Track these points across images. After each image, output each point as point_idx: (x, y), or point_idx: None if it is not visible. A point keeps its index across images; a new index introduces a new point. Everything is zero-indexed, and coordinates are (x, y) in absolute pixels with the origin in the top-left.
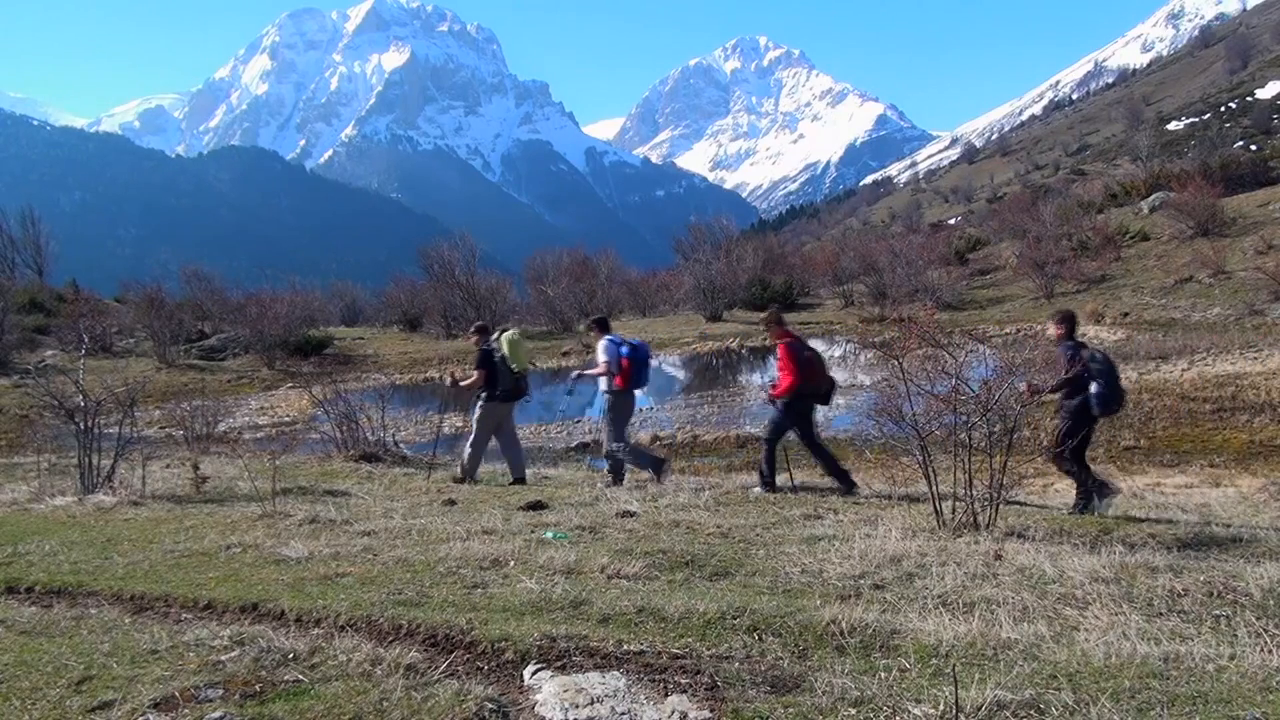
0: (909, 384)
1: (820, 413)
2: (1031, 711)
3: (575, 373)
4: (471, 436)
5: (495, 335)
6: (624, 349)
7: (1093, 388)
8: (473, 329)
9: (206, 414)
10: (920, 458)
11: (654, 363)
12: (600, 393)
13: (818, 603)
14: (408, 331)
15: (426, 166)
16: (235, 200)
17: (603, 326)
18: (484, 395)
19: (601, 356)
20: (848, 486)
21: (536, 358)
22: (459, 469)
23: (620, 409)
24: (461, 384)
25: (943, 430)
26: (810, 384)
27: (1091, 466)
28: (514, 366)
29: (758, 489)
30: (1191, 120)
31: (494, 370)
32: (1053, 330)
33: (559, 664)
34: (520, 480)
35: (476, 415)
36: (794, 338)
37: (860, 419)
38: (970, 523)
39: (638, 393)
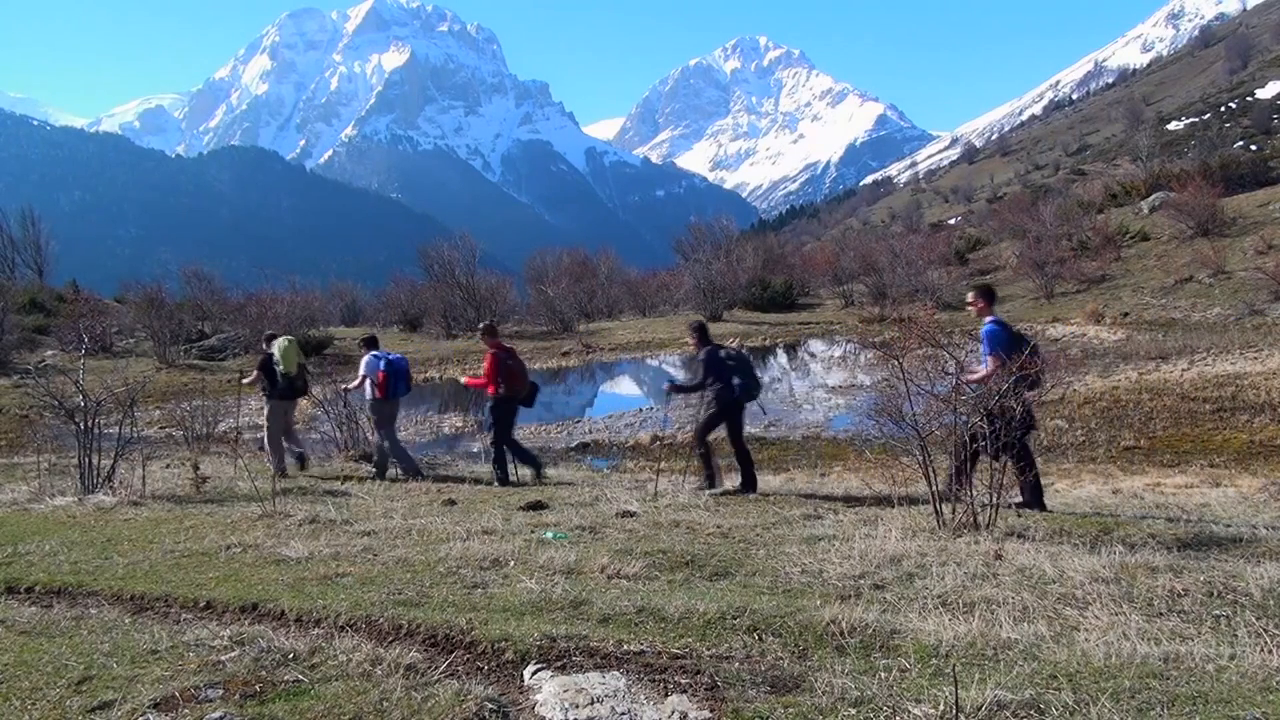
0: (909, 384)
1: (820, 412)
2: (1031, 711)
3: (345, 388)
4: (267, 436)
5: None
6: (382, 363)
7: (735, 380)
8: (264, 337)
9: (206, 414)
10: (920, 458)
11: (653, 363)
12: (365, 399)
13: (818, 603)
14: (408, 331)
15: (426, 166)
16: (235, 200)
17: (369, 344)
18: (266, 395)
19: (361, 370)
20: (501, 482)
21: (536, 358)
22: (277, 469)
23: (381, 413)
24: (244, 382)
25: (943, 430)
26: (511, 389)
27: (711, 457)
28: (281, 369)
29: (495, 484)
30: (1191, 120)
31: (272, 373)
32: (690, 341)
33: (559, 664)
34: (282, 472)
35: (265, 414)
36: (501, 348)
37: (860, 419)
38: (970, 523)
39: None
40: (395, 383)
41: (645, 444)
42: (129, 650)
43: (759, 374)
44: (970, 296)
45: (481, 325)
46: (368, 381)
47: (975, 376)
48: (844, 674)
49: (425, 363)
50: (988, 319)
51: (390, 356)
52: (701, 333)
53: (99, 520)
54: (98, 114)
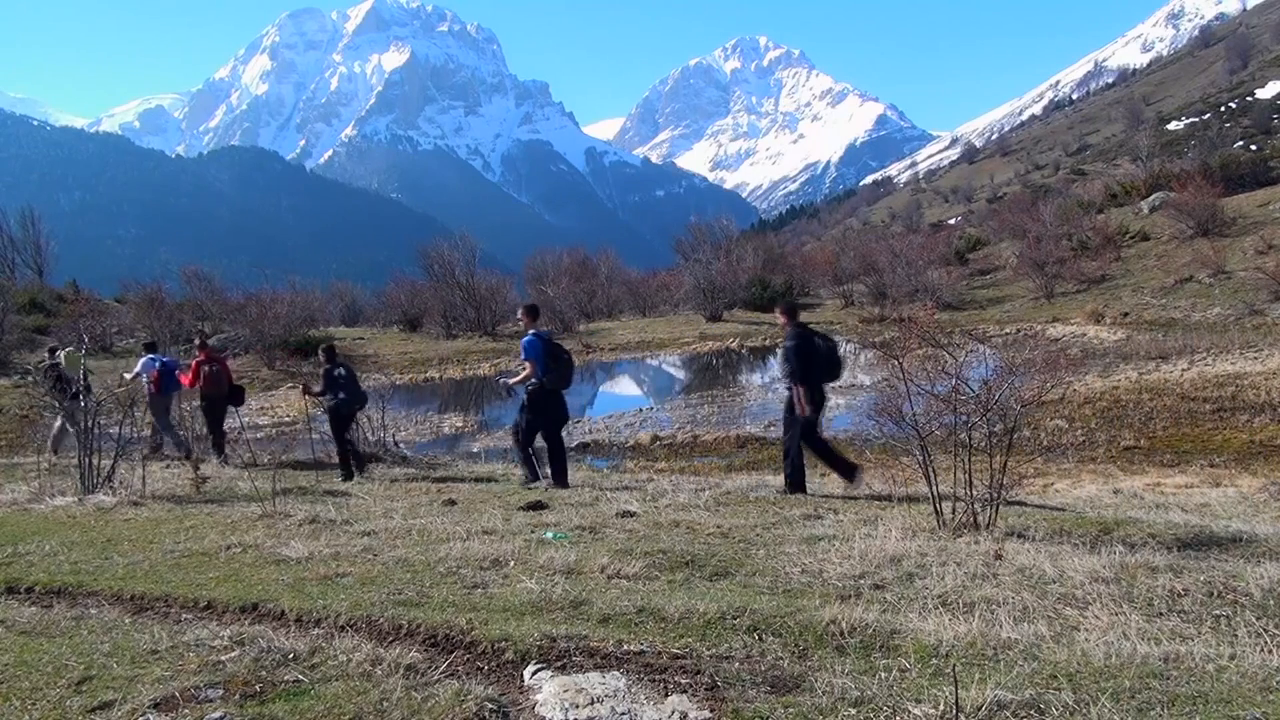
0: (909, 384)
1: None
2: (1031, 711)
3: (125, 377)
4: (62, 431)
5: (59, 353)
6: (156, 364)
7: (341, 395)
8: (47, 349)
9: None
10: (920, 458)
11: (653, 363)
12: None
13: (818, 603)
14: (408, 332)
15: (426, 166)
16: (235, 200)
17: (148, 349)
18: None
19: (136, 368)
20: (220, 458)
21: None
22: (50, 451)
23: (157, 405)
24: (41, 391)
25: (943, 430)
26: (209, 390)
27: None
28: (69, 374)
29: (216, 462)
30: (1191, 120)
31: (61, 380)
32: (321, 359)
33: (559, 664)
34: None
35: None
36: (208, 358)
37: (860, 419)
38: (970, 523)
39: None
40: (166, 380)
41: (645, 444)
42: (129, 650)
43: (363, 387)
44: (519, 313)
45: (197, 341)
46: (143, 377)
47: (516, 379)
48: (844, 674)
49: (425, 363)
50: (530, 331)
51: (164, 359)
52: (328, 354)
53: (99, 520)
54: (98, 114)
